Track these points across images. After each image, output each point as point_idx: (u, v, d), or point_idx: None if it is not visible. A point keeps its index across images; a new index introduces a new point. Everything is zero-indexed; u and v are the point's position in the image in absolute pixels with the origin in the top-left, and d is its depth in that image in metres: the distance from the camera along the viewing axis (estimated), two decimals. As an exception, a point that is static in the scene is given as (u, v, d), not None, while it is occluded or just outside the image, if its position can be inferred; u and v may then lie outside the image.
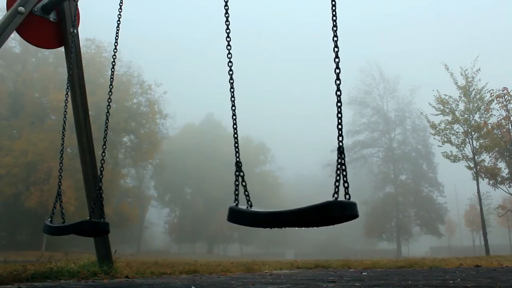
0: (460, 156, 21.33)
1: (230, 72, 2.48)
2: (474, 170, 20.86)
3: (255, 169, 60.34)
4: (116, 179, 36.04)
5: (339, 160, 1.88)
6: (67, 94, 4.12)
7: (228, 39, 2.51)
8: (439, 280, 3.47)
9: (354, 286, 3.00)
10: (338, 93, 1.98)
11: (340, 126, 1.95)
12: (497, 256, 13.73)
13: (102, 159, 3.54)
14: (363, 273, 4.92)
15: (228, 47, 2.50)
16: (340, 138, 1.91)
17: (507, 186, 21.53)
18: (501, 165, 21.64)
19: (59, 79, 30.81)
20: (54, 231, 3.59)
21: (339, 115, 1.96)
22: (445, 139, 21.57)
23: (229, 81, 2.49)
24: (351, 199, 1.84)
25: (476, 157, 20.98)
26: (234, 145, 2.41)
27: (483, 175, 21.21)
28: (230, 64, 2.48)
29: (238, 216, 2.16)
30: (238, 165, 2.33)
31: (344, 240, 61.48)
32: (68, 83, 4.26)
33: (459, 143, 21.32)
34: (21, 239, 34.02)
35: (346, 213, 1.81)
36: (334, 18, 2.07)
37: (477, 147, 21.20)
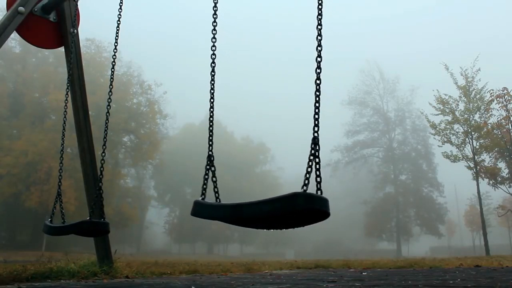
0: (460, 156, 21.33)
1: (213, 64, 2.49)
2: (474, 170, 20.86)
3: (255, 169, 60.34)
4: (116, 179, 36.01)
5: (312, 151, 1.80)
6: (67, 94, 4.13)
7: (214, 31, 2.52)
8: (439, 280, 3.47)
9: (354, 286, 2.99)
10: (318, 81, 1.93)
11: (316, 116, 1.87)
12: (497, 256, 13.75)
13: (102, 159, 3.55)
14: (363, 273, 4.92)
15: (213, 40, 2.51)
16: (316, 129, 1.84)
17: (507, 186, 21.53)
18: (501, 165, 21.64)
19: (59, 79, 30.77)
20: (54, 231, 3.60)
21: (317, 104, 1.90)
22: (445, 139, 21.57)
23: (211, 73, 2.49)
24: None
25: (476, 157, 20.97)
26: (208, 138, 2.36)
27: (483, 175, 21.20)
28: (213, 56, 2.50)
29: (200, 210, 2.06)
30: (210, 159, 2.27)
31: (344, 240, 61.46)
32: (68, 83, 4.27)
33: (459, 143, 21.32)
34: (21, 239, 33.97)
35: (313, 207, 1.68)
36: (320, 7, 2.05)
37: (477, 147, 21.19)
